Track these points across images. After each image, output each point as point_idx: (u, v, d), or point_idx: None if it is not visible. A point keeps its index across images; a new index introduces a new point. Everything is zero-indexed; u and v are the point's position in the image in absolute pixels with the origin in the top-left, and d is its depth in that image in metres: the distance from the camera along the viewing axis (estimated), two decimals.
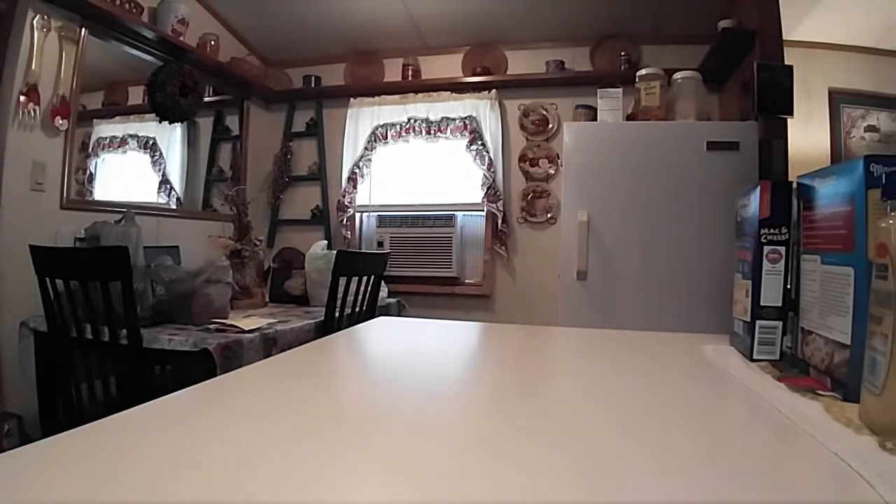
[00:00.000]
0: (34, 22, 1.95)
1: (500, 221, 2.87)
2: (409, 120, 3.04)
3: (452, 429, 0.39)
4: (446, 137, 3.00)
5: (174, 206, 2.68)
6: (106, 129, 2.33)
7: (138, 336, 1.44)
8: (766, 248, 0.59)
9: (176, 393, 0.43)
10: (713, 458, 0.33)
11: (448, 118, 2.99)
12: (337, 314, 1.85)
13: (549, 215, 2.88)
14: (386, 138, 3.06)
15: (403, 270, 2.94)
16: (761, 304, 0.59)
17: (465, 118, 2.96)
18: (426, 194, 3.04)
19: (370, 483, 0.29)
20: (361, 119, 3.10)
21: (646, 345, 0.66)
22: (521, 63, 2.97)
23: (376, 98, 3.07)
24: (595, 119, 2.23)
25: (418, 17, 2.85)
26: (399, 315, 2.59)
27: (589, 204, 1.96)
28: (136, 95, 2.44)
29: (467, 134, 2.94)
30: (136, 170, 2.52)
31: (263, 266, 2.37)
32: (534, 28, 2.85)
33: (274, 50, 3.21)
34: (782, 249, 0.59)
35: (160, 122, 2.50)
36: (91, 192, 2.23)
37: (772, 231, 0.59)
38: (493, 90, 2.94)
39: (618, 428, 0.39)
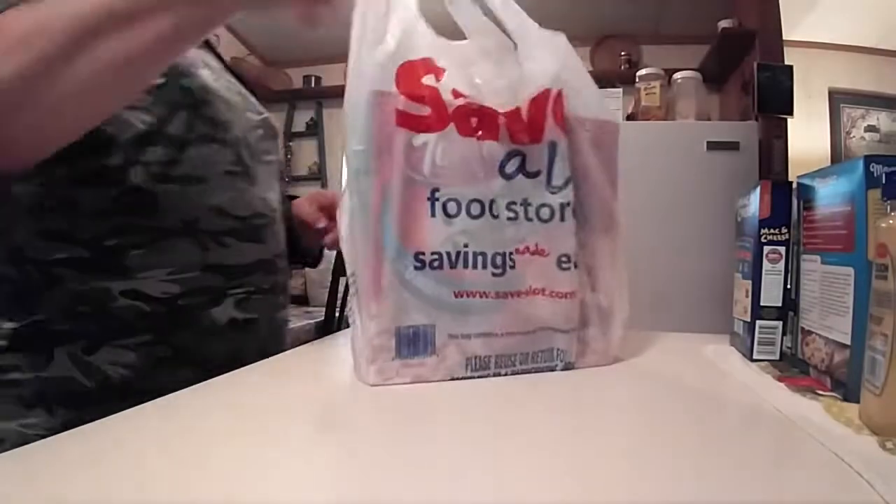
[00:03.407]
0: None
1: None
2: None
3: (453, 428, 0.39)
4: None
5: None
6: None
7: None
8: (766, 248, 0.59)
9: (176, 393, 0.43)
10: (713, 457, 0.33)
11: None
12: (337, 314, 1.85)
13: None
14: None
15: None
16: (761, 304, 0.59)
17: None
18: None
19: (370, 483, 0.29)
20: None
21: (645, 344, 0.66)
22: None
23: None
24: None
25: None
26: None
27: None
28: None
29: None
30: None
31: None
32: None
33: (274, 50, 3.21)
34: (782, 249, 0.59)
35: None
36: None
37: (772, 231, 0.59)
38: None
39: (616, 427, 0.39)
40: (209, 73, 0.63)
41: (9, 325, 0.54)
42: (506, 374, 0.51)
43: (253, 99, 0.74)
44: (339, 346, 0.67)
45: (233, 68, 0.76)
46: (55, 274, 0.54)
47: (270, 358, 0.59)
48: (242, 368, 0.53)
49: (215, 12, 0.49)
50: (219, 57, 0.74)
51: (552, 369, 0.52)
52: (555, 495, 0.27)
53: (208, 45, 0.73)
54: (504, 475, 0.30)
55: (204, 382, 0.47)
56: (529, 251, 0.51)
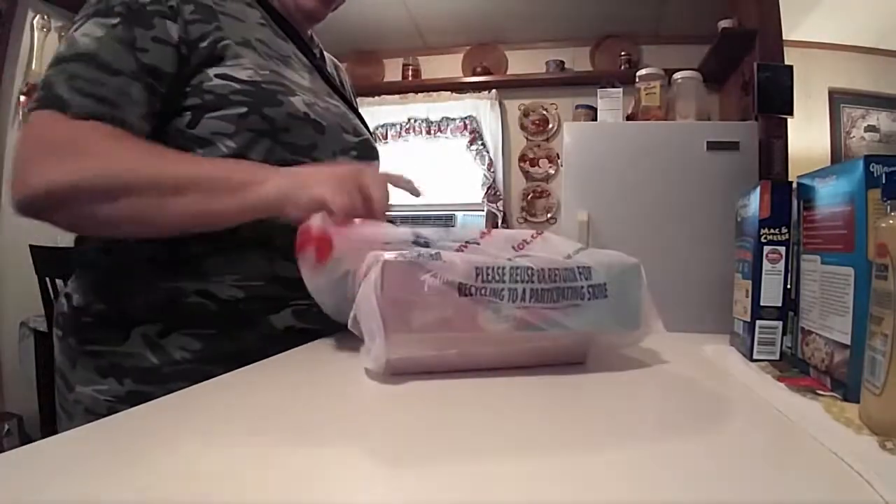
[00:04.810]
0: (34, 22, 1.95)
1: (500, 221, 2.87)
2: (409, 120, 3.04)
3: (453, 427, 0.39)
4: (446, 137, 3.00)
5: None
6: None
7: None
8: (766, 248, 0.59)
9: (176, 392, 0.43)
10: (712, 457, 0.33)
11: (448, 118, 2.99)
12: None
13: (549, 215, 2.88)
14: (386, 138, 3.07)
15: None
16: (761, 304, 0.59)
17: (465, 118, 2.96)
18: (426, 194, 3.04)
19: (370, 484, 0.29)
20: None
21: (645, 344, 0.66)
22: (521, 63, 2.97)
23: (376, 98, 3.07)
24: (595, 119, 2.24)
25: (418, 17, 2.85)
26: None
27: (589, 204, 1.96)
28: None
29: (467, 134, 2.95)
30: None
31: None
32: (534, 28, 2.85)
33: None
34: (782, 249, 0.59)
35: None
36: None
37: (772, 231, 0.59)
38: (493, 90, 2.94)
39: (616, 427, 0.39)
40: (303, 99, 0.69)
41: (98, 306, 0.63)
42: (525, 297, 0.48)
43: (356, 121, 0.82)
44: (348, 342, 0.67)
45: (342, 92, 0.83)
46: (137, 270, 0.63)
47: (282, 354, 0.59)
48: (252, 364, 0.53)
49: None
50: (328, 80, 0.81)
51: (581, 296, 0.50)
52: (551, 494, 0.27)
53: (322, 73, 0.80)
54: (501, 474, 0.30)
55: (204, 382, 0.47)
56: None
